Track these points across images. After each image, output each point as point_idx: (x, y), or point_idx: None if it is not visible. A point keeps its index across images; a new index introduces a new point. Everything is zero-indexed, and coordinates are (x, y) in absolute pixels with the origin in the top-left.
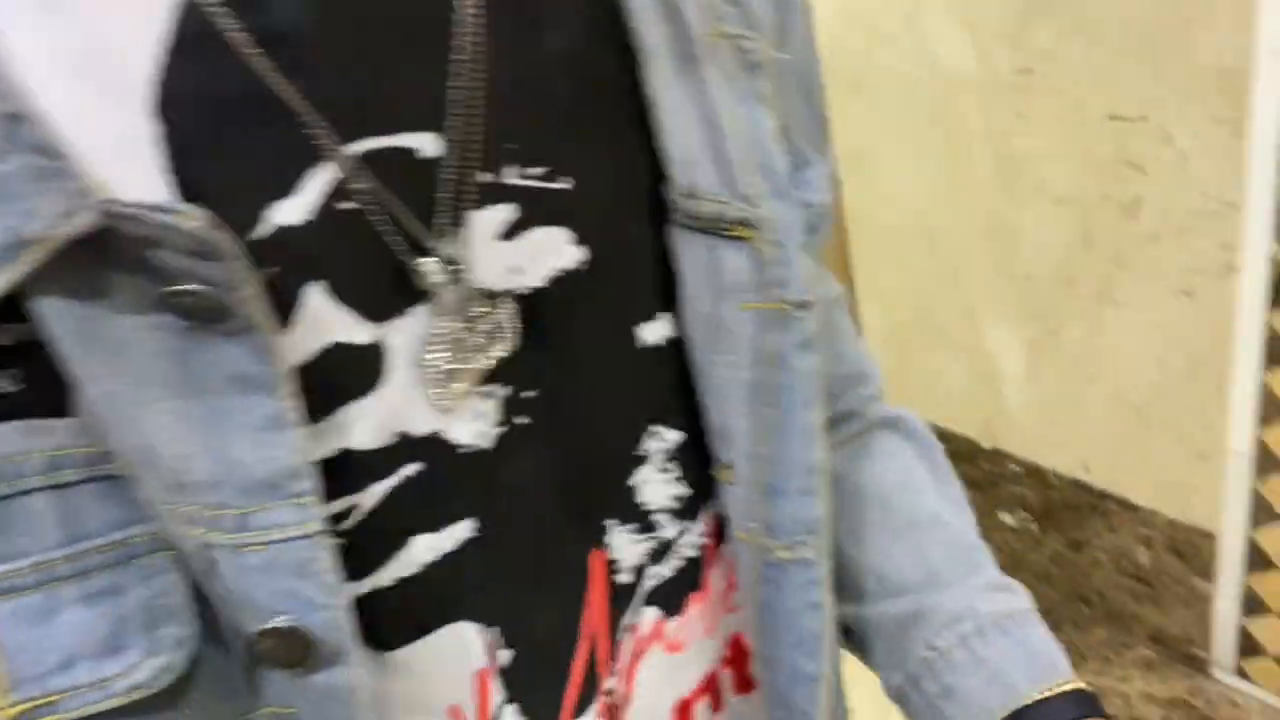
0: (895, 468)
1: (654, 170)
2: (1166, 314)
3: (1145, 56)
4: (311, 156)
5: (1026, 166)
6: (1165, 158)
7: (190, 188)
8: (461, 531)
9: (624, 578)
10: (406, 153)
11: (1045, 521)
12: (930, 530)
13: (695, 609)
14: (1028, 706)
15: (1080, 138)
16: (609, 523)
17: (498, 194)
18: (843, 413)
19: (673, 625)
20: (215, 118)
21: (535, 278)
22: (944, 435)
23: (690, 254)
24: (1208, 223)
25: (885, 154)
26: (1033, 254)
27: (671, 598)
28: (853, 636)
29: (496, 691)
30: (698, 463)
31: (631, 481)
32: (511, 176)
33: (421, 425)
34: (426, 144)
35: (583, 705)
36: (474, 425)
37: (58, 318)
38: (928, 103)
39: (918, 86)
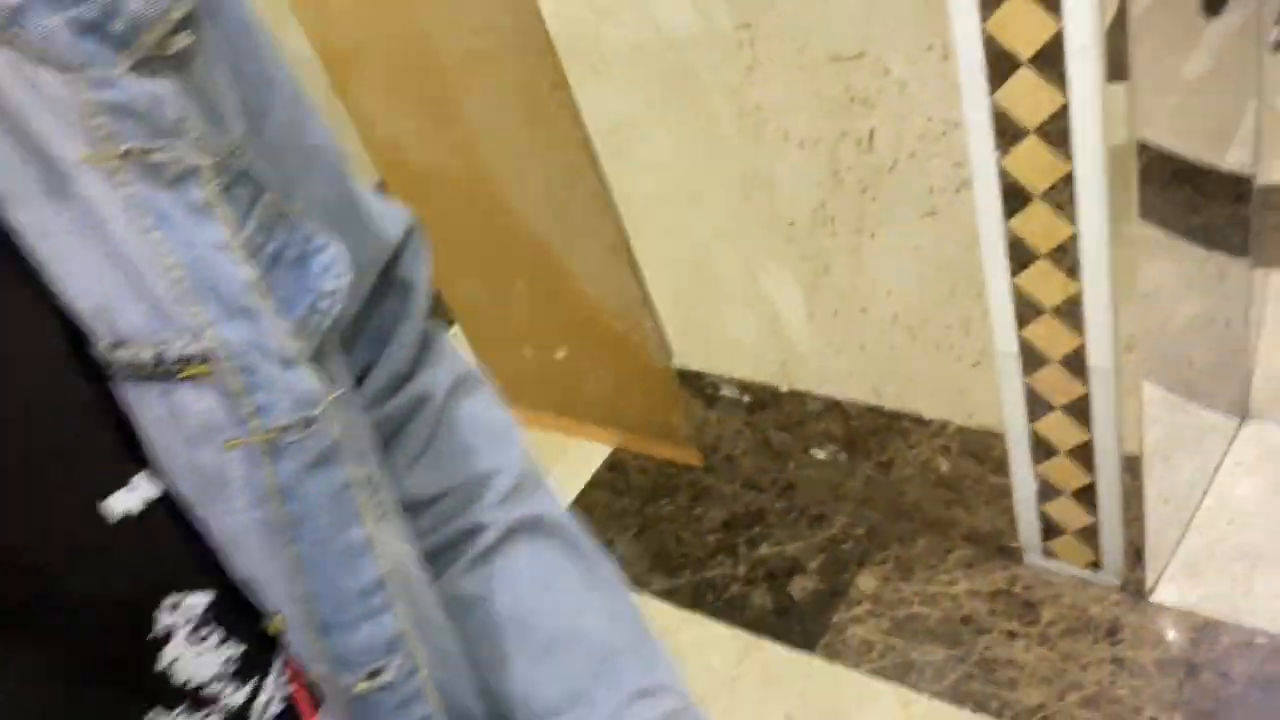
0: (531, 582)
1: (70, 327)
2: (918, 236)
3: None
4: None
5: (767, 118)
6: (887, 89)
7: None
8: None
9: None
10: None
11: (852, 450)
12: (571, 647)
13: None
14: None
15: (809, 82)
16: (151, 716)
17: None
18: (468, 528)
19: None
20: None
21: None
22: (745, 386)
23: (145, 406)
24: (937, 144)
25: (635, 127)
26: (790, 200)
27: None
28: None
29: None
30: (248, 614)
31: (161, 666)
32: None
33: None
34: None
35: None
36: None
37: None
38: (663, 71)
39: (650, 56)
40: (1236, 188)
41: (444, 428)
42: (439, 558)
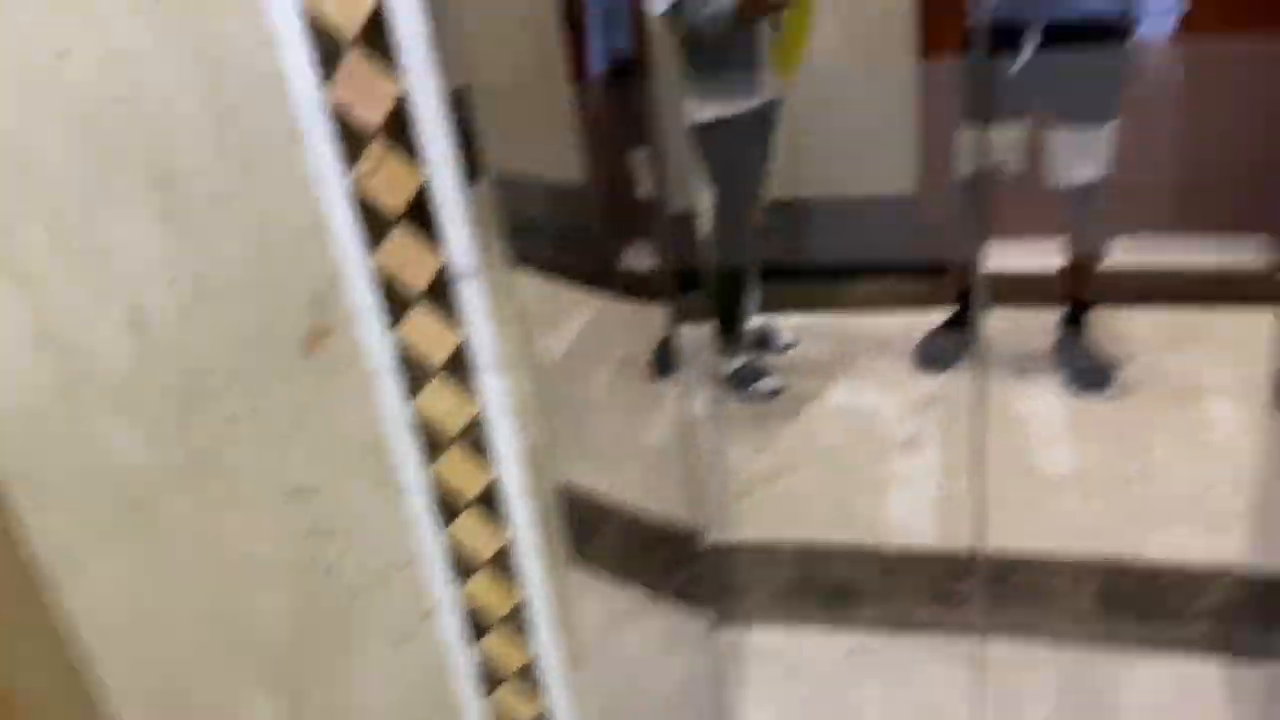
0: None
1: None
2: (393, 663)
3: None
4: None
5: (231, 545)
6: (349, 521)
7: None
8: None
9: None
10: None
11: None
12: None
13: None
14: None
15: (271, 513)
16: None
17: None
18: None
19: None
20: None
21: None
22: None
23: None
24: (401, 574)
25: (90, 553)
26: (265, 627)
27: None
28: None
29: None
30: None
31: None
32: None
33: None
34: None
35: None
36: None
37: None
38: (114, 498)
39: (98, 482)
40: (706, 547)
41: None
42: None
